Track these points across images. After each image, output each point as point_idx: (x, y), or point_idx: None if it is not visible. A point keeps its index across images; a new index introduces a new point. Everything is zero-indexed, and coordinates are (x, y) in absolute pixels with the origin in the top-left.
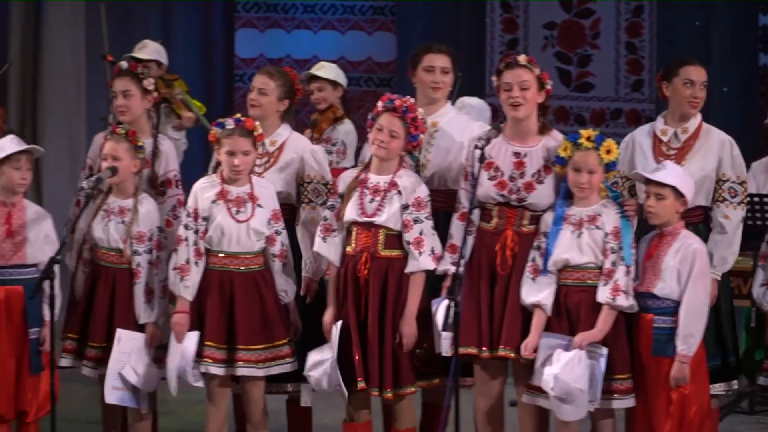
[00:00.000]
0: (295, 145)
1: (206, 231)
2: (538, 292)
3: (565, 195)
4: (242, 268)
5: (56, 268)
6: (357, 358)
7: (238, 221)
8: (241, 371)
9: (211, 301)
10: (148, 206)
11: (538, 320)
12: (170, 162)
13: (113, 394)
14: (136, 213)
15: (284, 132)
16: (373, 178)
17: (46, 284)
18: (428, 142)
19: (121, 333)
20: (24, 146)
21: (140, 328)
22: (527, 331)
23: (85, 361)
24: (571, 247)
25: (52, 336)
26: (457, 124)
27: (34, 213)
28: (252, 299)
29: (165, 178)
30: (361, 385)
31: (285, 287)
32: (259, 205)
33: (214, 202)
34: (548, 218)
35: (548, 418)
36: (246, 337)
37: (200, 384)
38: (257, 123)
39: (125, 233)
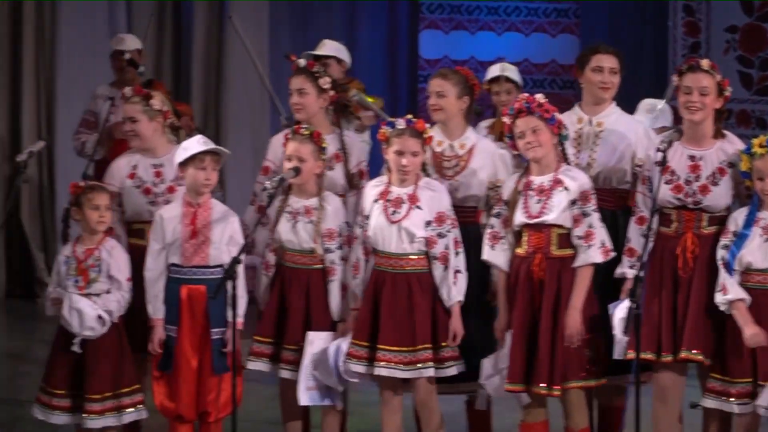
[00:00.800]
0: (485, 149)
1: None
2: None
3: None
4: (395, 269)
5: (240, 268)
6: (514, 360)
7: (391, 221)
8: (382, 371)
9: (364, 299)
10: (334, 203)
11: (743, 311)
12: (360, 154)
13: (307, 395)
14: (323, 211)
15: (471, 135)
16: (536, 180)
17: (230, 285)
18: (594, 141)
19: (313, 336)
20: (209, 146)
21: (333, 326)
22: (711, 334)
23: (282, 364)
24: (758, 251)
25: (234, 336)
26: (622, 124)
27: (220, 213)
28: (400, 301)
29: (357, 169)
30: (515, 387)
31: (444, 291)
32: (417, 207)
33: (375, 201)
34: (738, 218)
35: (731, 423)
36: (387, 338)
37: (356, 380)
38: (428, 126)
39: (314, 232)
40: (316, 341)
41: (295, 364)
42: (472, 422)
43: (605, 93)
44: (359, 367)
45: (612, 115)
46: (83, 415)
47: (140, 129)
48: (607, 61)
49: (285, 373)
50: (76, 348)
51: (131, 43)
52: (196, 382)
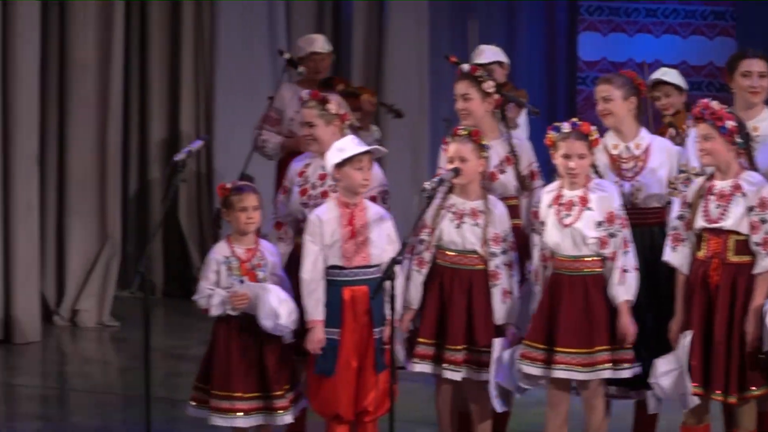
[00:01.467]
0: (661, 147)
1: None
2: None
3: None
4: (570, 271)
5: (398, 268)
6: (695, 364)
7: (564, 225)
8: (560, 374)
9: (541, 302)
10: (500, 208)
11: None
12: (529, 155)
13: (497, 402)
14: (490, 215)
15: (645, 135)
16: (718, 184)
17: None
18: (752, 147)
19: (495, 341)
20: (366, 147)
21: (497, 329)
22: None
23: (444, 364)
24: None
25: (392, 335)
26: None
27: (375, 213)
28: (577, 303)
29: (528, 171)
30: (696, 390)
31: (614, 291)
32: (588, 208)
33: (549, 206)
34: None
35: None
36: (564, 340)
37: (526, 385)
38: (593, 128)
39: (482, 236)
40: (497, 346)
41: (457, 365)
42: (639, 424)
43: (755, 97)
44: (534, 369)
45: (766, 120)
46: (237, 414)
47: (318, 133)
48: (756, 66)
49: (448, 374)
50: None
51: (322, 44)
52: (355, 383)
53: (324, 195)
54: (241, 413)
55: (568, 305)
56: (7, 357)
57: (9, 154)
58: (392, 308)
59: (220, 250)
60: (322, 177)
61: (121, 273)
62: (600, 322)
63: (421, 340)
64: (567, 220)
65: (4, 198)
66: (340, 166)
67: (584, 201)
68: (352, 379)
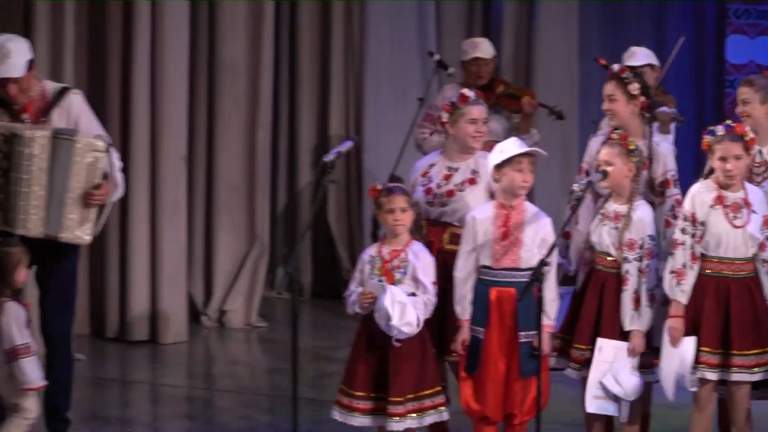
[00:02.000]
0: None
1: (702, 236)
2: None
3: None
4: (737, 273)
5: (549, 271)
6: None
7: (735, 227)
8: (735, 377)
9: (707, 306)
10: (641, 213)
11: None
12: (668, 162)
13: (594, 403)
14: (629, 220)
15: None
16: None
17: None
18: None
19: (602, 342)
20: (526, 148)
21: (624, 335)
22: None
23: (570, 363)
24: None
25: (540, 339)
26: None
27: (533, 215)
28: (745, 305)
29: (663, 178)
30: None
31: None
32: (753, 211)
33: (711, 207)
34: None
35: None
36: (740, 343)
37: (695, 389)
38: (748, 128)
39: (617, 239)
40: (605, 348)
41: (581, 364)
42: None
43: None
44: (713, 375)
45: None
46: (387, 417)
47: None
48: None
49: (570, 372)
50: (395, 343)
51: (487, 48)
52: (503, 385)
53: (449, 194)
54: (358, 412)
55: (739, 308)
56: (154, 357)
57: (158, 154)
58: (538, 312)
59: (370, 250)
60: (447, 177)
61: (269, 274)
62: (765, 324)
63: (559, 334)
64: (738, 222)
65: (152, 197)
66: (499, 167)
67: (748, 203)
68: (499, 380)
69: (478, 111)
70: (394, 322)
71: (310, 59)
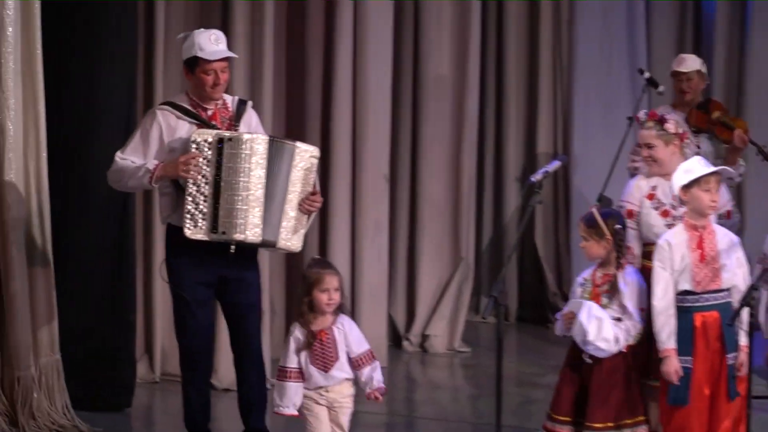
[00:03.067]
0: None
1: None
2: None
3: None
4: None
5: (760, 294)
6: None
7: None
8: None
9: None
10: None
11: None
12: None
13: None
14: None
15: None
16: None
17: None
18: None
19: None
20: (712, 168)
21: None
22: None
23: None
24: None
25: (748, 362)
26: None
27: (724, 236)
28: None
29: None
30: None
31: None
32: None
33: None
34: None
35: None
36: None
37: None
38: None
39: None
40: None
41: None
42: None
43: None
44: None
45: None
46: None
47: (657, 154)
48: None
49: None
50: (586, 358)
51: (691, 63)
52: (708, 411)
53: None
54: None
55: None
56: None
57: (359, 171)
58: (750, 336)
59: (585, 273)
60: (675, 198)
61: (473, 297)
62: None
63: None
64: None
65: (352, 216)
66: (687, 187)
67: None
68: (705, 407)
69: (642, 135)
70: (590, 337)
71: (516, 75)
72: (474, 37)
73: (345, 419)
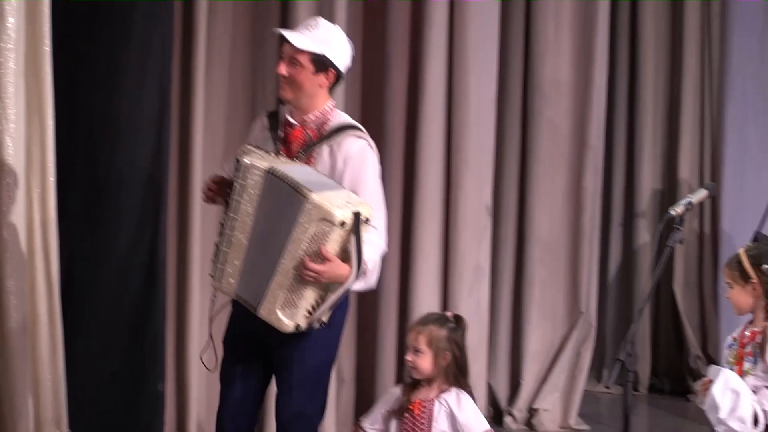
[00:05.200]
0: None
1: None
2: None
3: None
4: None
5: None
6: None
7: None
8: None
9: None
10: None
11: None
12: None
13: None
14: None
15: None
16: None
17: None
18: None
19: None
20: None
21: None
22: None
23: None
24: None
25: None
26: None
27: None
28: None
29: None
30: None
31: None
32: None
33: None
34: None
35: None
36: None
37: None
38: None
39: None
40: None
41: None
42: None
43: None
44: None
45: None
46: None
47: None
48: None
49: None
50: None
51: None
52: None
53: None
54: None
55: None
56: None
57: (454, 202)
58: None
59: (735, 331)
60: None
61: (595, 362)
62: None
63: None
64: None
65: (444, 259)
66: None
67: None
68: None
69: None
70: (722, 414)
71: (654, 81)
72: (601, 35)
73: None
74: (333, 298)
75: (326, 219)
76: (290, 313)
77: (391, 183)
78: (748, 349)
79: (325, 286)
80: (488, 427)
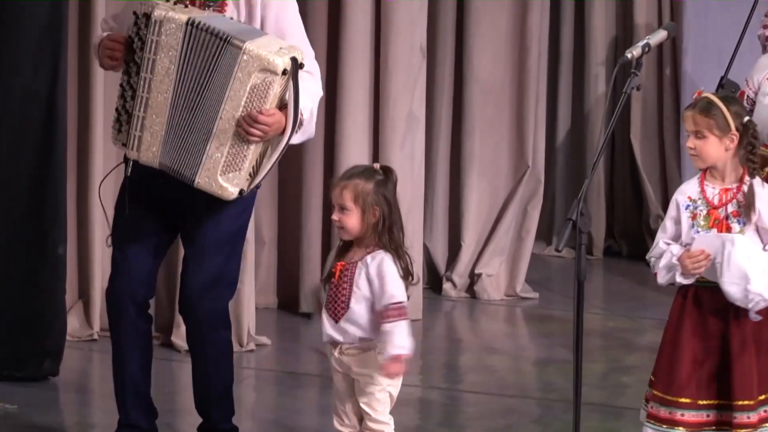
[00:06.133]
0: None
1: None
2: None
3: None
4: None
5: None
6: None
7: None
8: None
9: None
10: None
11: None
12: None
13: None
14: None
15: None
16: None
17: None
18: None
19: None
20: None
21: None
22: None
23: None
24: None
25: None
26: None
27: None
28: None
29: None
30: None
31: None
32: None
33: None
34: None
35: None
36: None
37: None
38: None
39: None
40: None
41: None
42: None
43: None
44: None
45: None
46: (678, 428)
47: None
48: None
49: None
50: (754, 316)
51: None
52: None
53: None
54: (682, 427)
55: None
56: None
57: (386, 44)
58: None
59: (686, 189)
60: None
61: (545, 221)
62: None
63: None
64: None
65: (375, 106)
66: None
67: None
68: None
69: None
70: (755, 287)
71: None
72: None
73: (374, 398)
74: (276, 155)
75: (267, 69)
76: (232, 178)
77: (315, 22)
78: (732, 208)
79: (266, 144)
80: (403, 299)
